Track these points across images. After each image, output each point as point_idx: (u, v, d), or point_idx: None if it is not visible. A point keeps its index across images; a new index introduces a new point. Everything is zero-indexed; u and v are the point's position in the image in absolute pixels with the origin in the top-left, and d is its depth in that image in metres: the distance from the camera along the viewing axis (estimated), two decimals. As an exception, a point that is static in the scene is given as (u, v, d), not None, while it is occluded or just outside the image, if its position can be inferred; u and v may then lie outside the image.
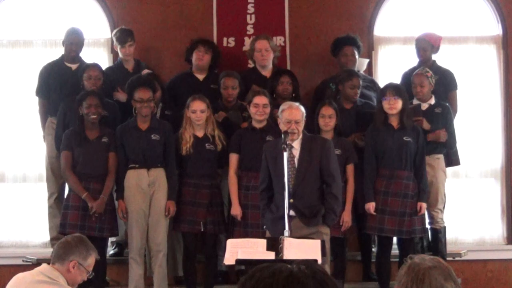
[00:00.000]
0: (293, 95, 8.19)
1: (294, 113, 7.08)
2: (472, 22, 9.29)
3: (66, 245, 5.06)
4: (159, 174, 7.82)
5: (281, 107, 7.22)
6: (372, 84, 8.67)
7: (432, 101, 8.19)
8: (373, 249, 8.25)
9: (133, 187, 7.80)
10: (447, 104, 8.29)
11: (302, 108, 7.17)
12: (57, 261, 5.00)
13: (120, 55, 8.58)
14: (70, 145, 7.85)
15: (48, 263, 5.07)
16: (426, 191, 7.85)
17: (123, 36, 8.49)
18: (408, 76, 8.43)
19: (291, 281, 2.17)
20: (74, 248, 5.01)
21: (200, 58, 8.53)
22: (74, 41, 8.45)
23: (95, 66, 8.21)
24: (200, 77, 8.59)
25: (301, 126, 7.10)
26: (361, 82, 8.19)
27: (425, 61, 8.48)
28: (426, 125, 8.00)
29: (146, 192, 7.80)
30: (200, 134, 7.87)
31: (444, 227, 8.24)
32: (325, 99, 8.02)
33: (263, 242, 6.20)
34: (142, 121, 7.87)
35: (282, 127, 7.09)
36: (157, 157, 7.82)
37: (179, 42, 8.89)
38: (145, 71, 8.37)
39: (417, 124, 7.93)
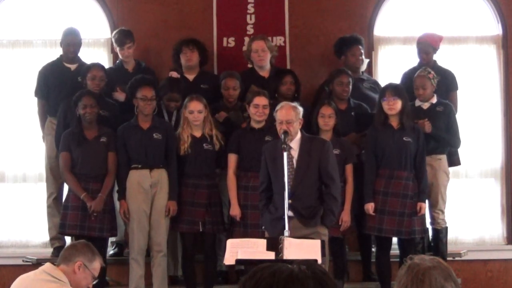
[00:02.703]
0: (296, 95, 8.19)
1: (284, 113, 7.03)
2: (472, 22, 9.28)
3: (72, 247, 5.21)
4: (161, 175, 7.82)
5: (276, 108, 7.21)
6: (376, 85, 8.64)
7: (434, 100, 8.19)
8: (373, 249, 8.25)
9: (135, 187, 7.80)
10: (449, 103, 8.29)
11: (298, 108, 7.10)
12: (62, 262, 5.05)
13: (120, 56, 8.58)
14: (68, 145, 7.85)
15: (53, 263, 5.13)
16: (426, 191, 7.85)
17: (122, 38, 8.48)
18: (408, 76, 8.43)
19: (292, 281, 2.17)
20: (80, 250, 5.10)
21: (189, 59, 8.49)
22: (71, 42, 8.44)
23: (100, 67, 8.20)
24: (190, 77, 8.54)
25: (294, 127, 7.02)
26: (351, 80, 8.19)
27: (426, 63, 8.48)
28: (428, 127, 7.99)
29: (148, 192, 7.80)
30: (198, 134, 7.87)
31: (446, 227, 8.25)
32: (321, 101, 8.03)
33: (263, 242, 6.20)
34: (143, 120, 7.87)
35: (277, 127, 7.08)
36: (159, 156, 7.82)
37: (179, 42, 8.89)
38: (174, 74, 8.31)
39: (420, 125, 7.92)
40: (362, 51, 8.61)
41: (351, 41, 8.62)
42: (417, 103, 8.20)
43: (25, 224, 8.92)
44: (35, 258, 8.13)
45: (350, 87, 8.20)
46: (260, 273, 2.20)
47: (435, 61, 8.56)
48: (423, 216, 7.87)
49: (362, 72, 8.74)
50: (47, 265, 5.10)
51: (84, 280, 5.04)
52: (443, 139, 8.12)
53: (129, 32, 8.54)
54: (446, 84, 8.45)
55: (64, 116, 8.11)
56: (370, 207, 7.71)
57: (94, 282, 5.17)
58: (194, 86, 8.40)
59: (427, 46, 8.53)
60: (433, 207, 8.17)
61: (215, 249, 7.92)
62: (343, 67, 8.41)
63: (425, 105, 8.17)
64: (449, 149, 8.29)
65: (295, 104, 7.22)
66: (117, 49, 8.53)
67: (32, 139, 8.84)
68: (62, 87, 8.33)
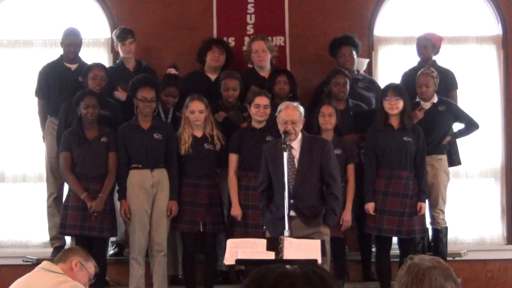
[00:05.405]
0: (290, 95, 8.17)
1: (290, 113, 7.06)
2: (472, 22, 9.29)
3: (67, 250, 5.47)
4: (162, 175, 7.82)
5: (279, 107, 7.22)
6: (371, 84, 8.66)
7: (435, 99, 8.20)
8: (373, 249, 8.25)
9: (135, 187, 7.80)
10: (450, 100, 8.31)
11: (301, 108, 7.14)
12: (59, 262, 5.17)
13: (121, 53, 8.56)
14: (69, 145, 7.85)
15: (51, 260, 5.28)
16: (426, 191, 7.86)
17: (123, 33, 8.49)
18: (408, 76, 8.43)
19: (291, 282, 2.17)
20: (75, 250, 5.33)
21: (217, 59, 8.52)
22: (72, 43, 8.44)
23: (101, 66, 8.19)
24: (213, 77, 8.55)
25: (298, 127, 7.08)
26: (347, 80, 8.18)
27: (425, 60, 8.49)
28: (420, 115, 8.02)
29: (149, 192, 7.80)
30: (198, 134, 7.87)
31: (446, 227, 8.25)
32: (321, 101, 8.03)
33: (263, 242, 6.20)
34: (143, 120, 7.87)
35: (280, 127, 7.09)
36: (160, 156, 7.82)
37: (179, 42, 8.90)
38: (172, 70, 8.31)
39: (417, 113, 7.95)
40: (354, 51, 8.57)
41: (341, 42, 8.60)
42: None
43: (25, 224, 8.93)
44: (35, 258, 8.13)
45: (348, 87, 8.20)
46: (262, 278, 2.20)
47: (434, 61, 8.57)
48: (423, 216, 7.87)
49: (358, 71, 8.73)
50: (44, 262, 5.20)
51: (82, 278, 5.11)
52: (461, 133, 8.25)
53: (130, 30, 8.55)
54: (446, 83, 8.46)
55: (66, 116, 8.10)
56: (370, 207, 7.72)
57: (92, 281, 5.25)
58: (214, 85, 8.39)
59: (426, 41, 8.54)
60: (433, 207, 8.18)
61: (216, 249, 7.92)
62: (340, 68, 8.40)
63: (426, 105, 8.17)
64: (449, 149, 8.30)
65: (297, 104, 7.23)
66: (119, 45, 8.51)
67: (32, 139, 8.84)
68: (63, 87, 8.33)
